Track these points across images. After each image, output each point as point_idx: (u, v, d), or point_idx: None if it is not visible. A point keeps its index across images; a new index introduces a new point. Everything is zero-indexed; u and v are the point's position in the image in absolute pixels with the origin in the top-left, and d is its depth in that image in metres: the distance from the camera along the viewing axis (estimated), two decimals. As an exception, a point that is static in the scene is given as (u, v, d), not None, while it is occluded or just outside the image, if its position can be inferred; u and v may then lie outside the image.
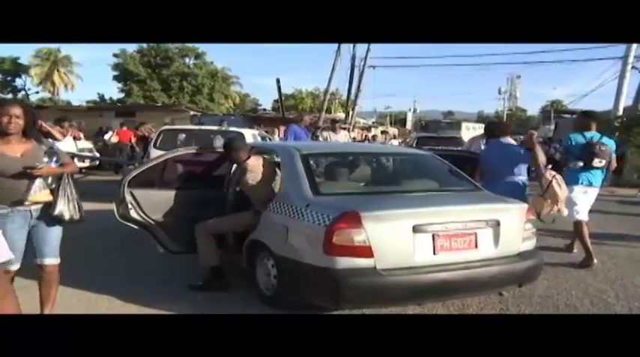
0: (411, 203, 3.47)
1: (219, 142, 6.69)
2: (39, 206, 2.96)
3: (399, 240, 3.17)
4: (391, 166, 4.41)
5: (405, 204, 3.43)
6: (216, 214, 4.15)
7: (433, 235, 3.24)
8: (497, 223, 3.42)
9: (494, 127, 5.20)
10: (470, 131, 24.51)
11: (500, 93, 56.28)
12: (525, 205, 3.67)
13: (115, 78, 39.89)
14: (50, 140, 7.45)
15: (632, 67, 18.17)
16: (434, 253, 3.24)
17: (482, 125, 7.97)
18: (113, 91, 53.76)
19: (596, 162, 4.85)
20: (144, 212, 4.30)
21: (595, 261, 4.95)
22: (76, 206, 3.03)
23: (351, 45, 25.26)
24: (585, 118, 5.18)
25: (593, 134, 4.98)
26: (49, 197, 2.96)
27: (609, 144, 4.93)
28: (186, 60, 40.93)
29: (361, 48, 25.36)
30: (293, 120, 8.74)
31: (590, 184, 4.96)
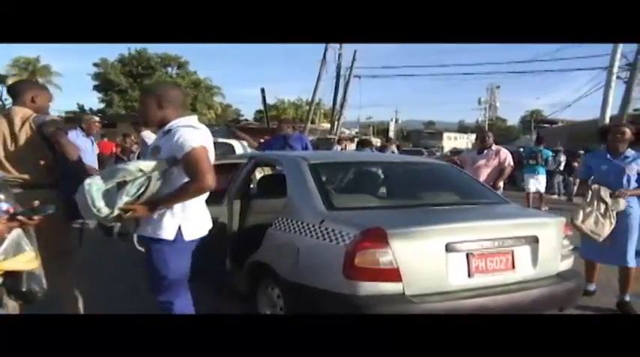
0: (442, 218, 3.05)
1: None
2: None
3: (431, 261, 2.75)
4: (410, 176, 3.98)
5: (435, 219, 3.02)
6: None
7: (467, 255, 2.83)
8: (536, 240, 3.04)
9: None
10: (451, 141, 24.43)
11: (479, 103, 56.93)
12: (564, 219, 3.29)
13: (96, 88, 39.07)
14: None
15: (617, 77, 18.36)
16: (469, 276, 2.83)
17: (464, 135, 8.12)
18: (93, 101, 52.63)
19: (532, 162, 10.12)
20: None
21: None
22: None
23: (337, 54, 25.21)
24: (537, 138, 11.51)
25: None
26: (34, 262, 1.82)
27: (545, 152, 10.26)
28: (169, 69, 40.32)
29: (346, 58, 25.22)
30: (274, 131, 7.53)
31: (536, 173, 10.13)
